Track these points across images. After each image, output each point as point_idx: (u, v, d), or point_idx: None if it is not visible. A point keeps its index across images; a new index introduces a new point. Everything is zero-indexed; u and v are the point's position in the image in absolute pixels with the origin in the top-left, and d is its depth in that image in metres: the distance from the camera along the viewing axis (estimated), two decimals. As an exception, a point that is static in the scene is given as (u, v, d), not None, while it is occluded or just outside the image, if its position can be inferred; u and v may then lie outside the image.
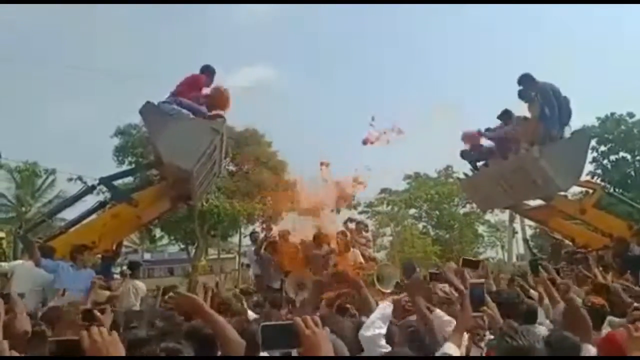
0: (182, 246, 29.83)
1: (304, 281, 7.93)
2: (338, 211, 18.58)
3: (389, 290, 7.75)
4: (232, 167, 23.58)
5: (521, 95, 8.63)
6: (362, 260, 9.34)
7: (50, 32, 69.92)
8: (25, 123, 56.64)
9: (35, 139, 56.20)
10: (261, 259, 9.29)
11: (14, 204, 27.30)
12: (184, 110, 7.39)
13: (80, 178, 15.55)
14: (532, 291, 4.82)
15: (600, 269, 6.08)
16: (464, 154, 9.91)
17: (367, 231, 10.93)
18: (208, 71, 8.02)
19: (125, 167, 22.52)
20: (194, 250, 27.76)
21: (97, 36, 64.83)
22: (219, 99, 7.88)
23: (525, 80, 8.51)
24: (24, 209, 26.94)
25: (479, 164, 9.91)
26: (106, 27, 60.75)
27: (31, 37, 64.33)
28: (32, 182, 26.63)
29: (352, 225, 10.28)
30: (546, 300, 4.02)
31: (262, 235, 9.95)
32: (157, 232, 27.37)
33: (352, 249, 9.42)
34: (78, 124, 60.59)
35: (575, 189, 10.83)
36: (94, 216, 8.06)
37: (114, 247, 8.06)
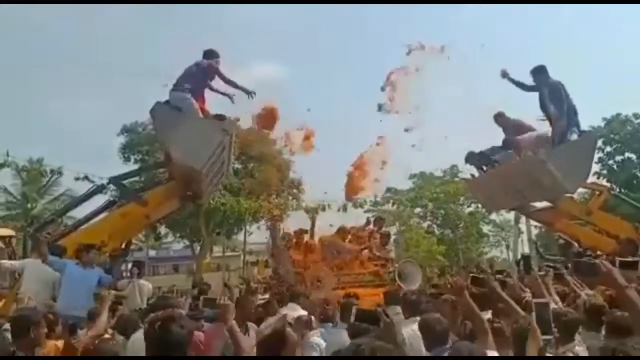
0: (187, 243, 29.90)
1: (321, 277, 8.03)
2: (345, 209, 18.76)
3: (413, 287, 7.75)
4: (237, 165, 23.63)
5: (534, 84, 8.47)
6: (379, 254, 9.46)
7: (54, 30, 70.16)
8: (31, 121, 56.97)
9: (42, 137, 56.57)
10: (278, 255, 9.48)
11: (20, 201, 27.39)
12: (195, 103, 7.32)
13: (86, 177, 15.62)
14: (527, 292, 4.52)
15: None
16: (468, 158, 9.72)
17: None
18: (214, 57, 7.64)
19: (131, 165, 22.69)
20: (199, 248, 27.84)
21: (102, 33, 64.96)
22: (270, 118, 7.66)
23: (538, 73, 8.37)
24: (29, 205, 27.00)
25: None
26: (111, 24, 60.93)
27: (35, 35, 64.54)
28: (38, 179, 26.65)
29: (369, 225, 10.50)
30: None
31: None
32: (162, 230, 27.45)
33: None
34: (84, 122, 60.89)
35: (581, 189, 10.84)
36: (103, 215, 8.11)
37: (123, 246, 8.12)
